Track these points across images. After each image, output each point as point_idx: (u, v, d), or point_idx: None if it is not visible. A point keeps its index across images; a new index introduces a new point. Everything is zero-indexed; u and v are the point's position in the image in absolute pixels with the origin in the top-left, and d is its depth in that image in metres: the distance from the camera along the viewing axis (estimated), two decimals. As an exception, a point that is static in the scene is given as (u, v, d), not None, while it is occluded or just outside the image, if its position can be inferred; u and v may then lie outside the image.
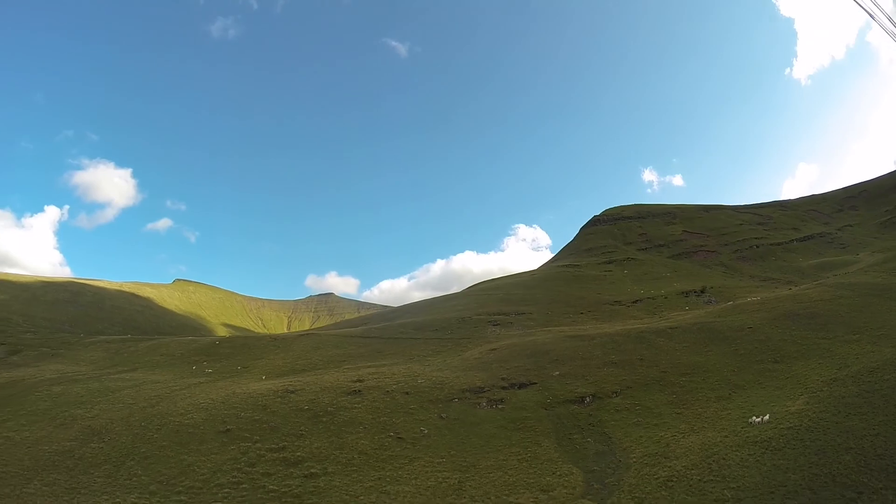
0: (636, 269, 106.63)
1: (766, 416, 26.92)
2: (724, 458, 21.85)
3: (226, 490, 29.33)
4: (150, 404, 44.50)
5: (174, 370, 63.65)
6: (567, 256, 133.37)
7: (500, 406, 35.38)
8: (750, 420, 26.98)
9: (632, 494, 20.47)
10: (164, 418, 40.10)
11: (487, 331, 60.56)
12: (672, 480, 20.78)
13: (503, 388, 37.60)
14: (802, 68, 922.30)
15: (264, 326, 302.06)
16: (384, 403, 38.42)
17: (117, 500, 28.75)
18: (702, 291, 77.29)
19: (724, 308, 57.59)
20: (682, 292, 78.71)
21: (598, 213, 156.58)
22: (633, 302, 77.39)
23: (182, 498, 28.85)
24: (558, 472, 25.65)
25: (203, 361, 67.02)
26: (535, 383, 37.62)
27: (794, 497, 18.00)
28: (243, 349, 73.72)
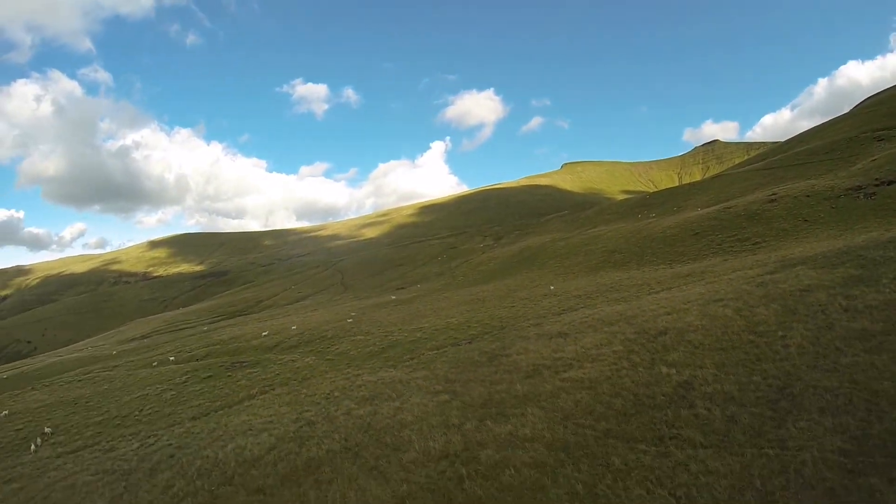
0: None
1: None
2: None
3: (708, 255, 63.22)
4: (635, 232, 76.67)
5: (626, 220, 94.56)
6: None
7: (872, 198, 59.27)
8: None
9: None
10: (651, 234, 72.28)
11: (873, 146, 76.34)
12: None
13: (875, 185, 60.51)
14: None
15: (655, 187, 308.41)
16: (792, 204, 66.07)
17: (639, 269, 66.54)
18: None
19: None
20: None
21: None
22: None
23: (684, 260, 64.91)
24: (900, 225, 51.07)
25: (643, 211, 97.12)
26: (901, 179, 59.25)
27: None
28: (670, 197, 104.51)
